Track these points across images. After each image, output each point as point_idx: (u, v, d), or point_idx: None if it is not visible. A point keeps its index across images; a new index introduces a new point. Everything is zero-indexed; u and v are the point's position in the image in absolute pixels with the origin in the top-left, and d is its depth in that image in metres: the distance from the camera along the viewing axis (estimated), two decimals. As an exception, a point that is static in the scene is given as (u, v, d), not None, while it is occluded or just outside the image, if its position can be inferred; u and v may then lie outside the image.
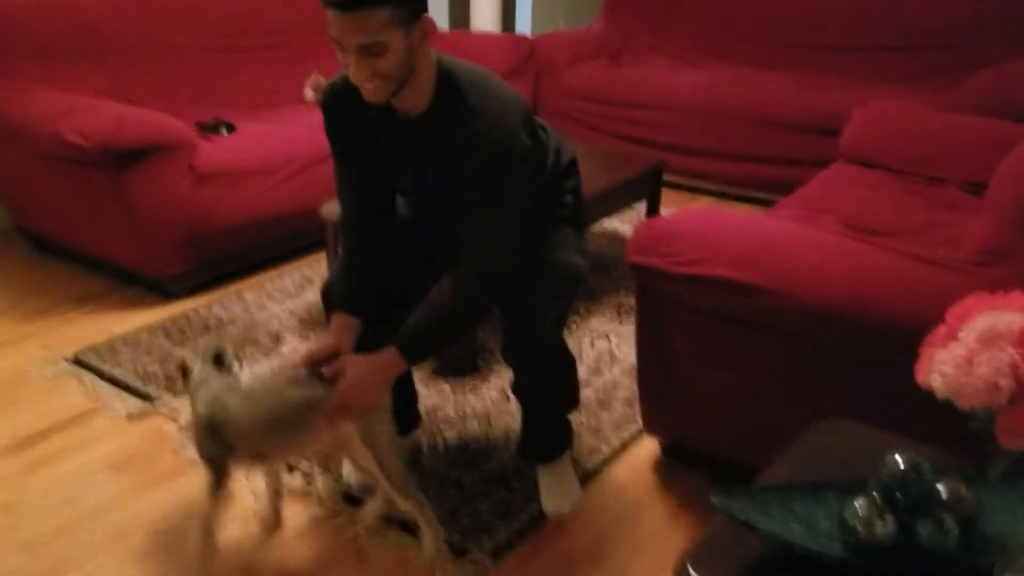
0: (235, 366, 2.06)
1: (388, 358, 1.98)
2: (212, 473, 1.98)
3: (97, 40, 3.84)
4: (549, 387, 2.26)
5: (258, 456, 2.03)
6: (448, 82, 1.92)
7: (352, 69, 1.78)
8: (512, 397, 2.42)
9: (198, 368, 2.02)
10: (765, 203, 4.41)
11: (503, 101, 1.94)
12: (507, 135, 1.90)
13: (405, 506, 2.06)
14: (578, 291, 2.25)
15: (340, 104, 2.02)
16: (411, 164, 2.03)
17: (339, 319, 2.09)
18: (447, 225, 2.12)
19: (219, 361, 2.03)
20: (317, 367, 1.98)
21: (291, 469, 2.42)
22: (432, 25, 1.85)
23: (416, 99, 1.91)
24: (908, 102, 3.84)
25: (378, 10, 1.71)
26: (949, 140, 3.29)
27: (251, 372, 2.12)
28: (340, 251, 2.18)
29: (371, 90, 1.82)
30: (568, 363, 2.29)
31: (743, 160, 4.61)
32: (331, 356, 2.00)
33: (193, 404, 2.00)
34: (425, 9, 1.82)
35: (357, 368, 1.96)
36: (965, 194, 3.06)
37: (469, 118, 1.89)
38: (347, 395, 1.93)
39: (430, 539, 2.09)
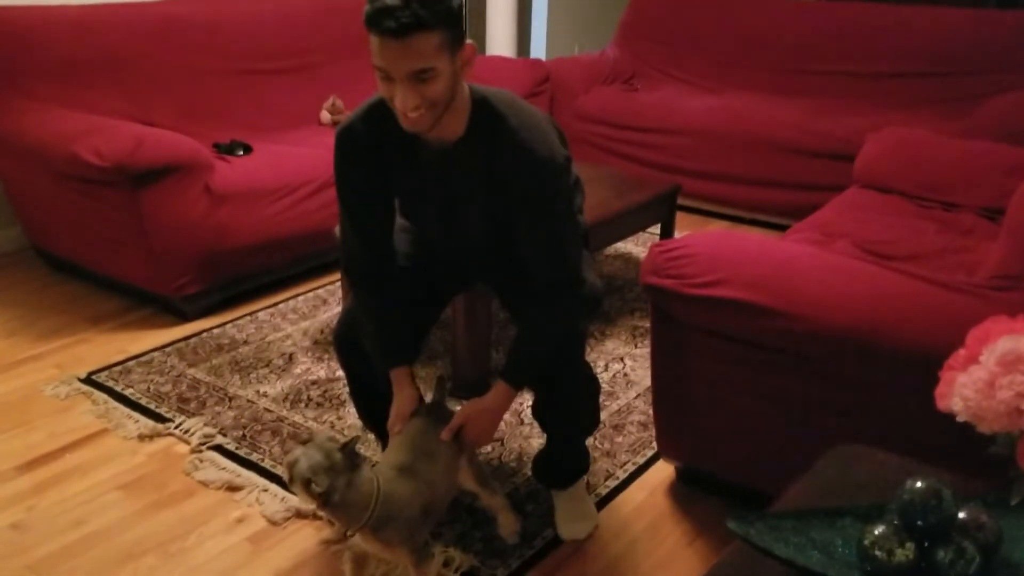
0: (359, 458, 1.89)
1: (501, 395, 2.06)
2: (423, 553, 1.96)
3: (117, 61, 3.86)
4: (575, 408, 2.23)
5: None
6: (484, 105, 1.90)
7: (399, 98, 1.73)
8: (529, 419, 2.41)
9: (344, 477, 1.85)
10: (779, 228, 4.41)
11: (538, 119, 1.95)
12: (551, 150, 1.90)
13: (489, 499, 2.21)
14: (596, 312, 2.25)
15: (361, 145, 1.97)
16: (439, 197, 2.01)
17: (398, 374, 2.10)
18: (472, 261, 2.16)
19: (352, 456, 1.85)
20: (435, 429, 2.05)
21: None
22: (474, 51, 1.83)
23: (454, 125, 1.88)
24: (922, 128, 3.84)
25: (432, 34, 1.68)
26: (963, 166, 3.29)
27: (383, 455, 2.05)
28: (363, 307, 2.11)
29: (415, 119, 1.77)
30: (593, 383, 2.26)
31: (757, 185, 4.60)
32: (414, 408, 2.09)
33: (388, 501, 1.87)
34: (466, 34, 1.80)
35: (475, 412, 2.05)
36: (980, 219, 3.05)
37: (512, 138, 1.88)
38: (478, 438, 2.06)
39: (510, 521, 2.24)
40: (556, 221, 1.95)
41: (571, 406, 2.21)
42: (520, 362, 2.06)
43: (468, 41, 1.80)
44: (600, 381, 2.97)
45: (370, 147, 1.96)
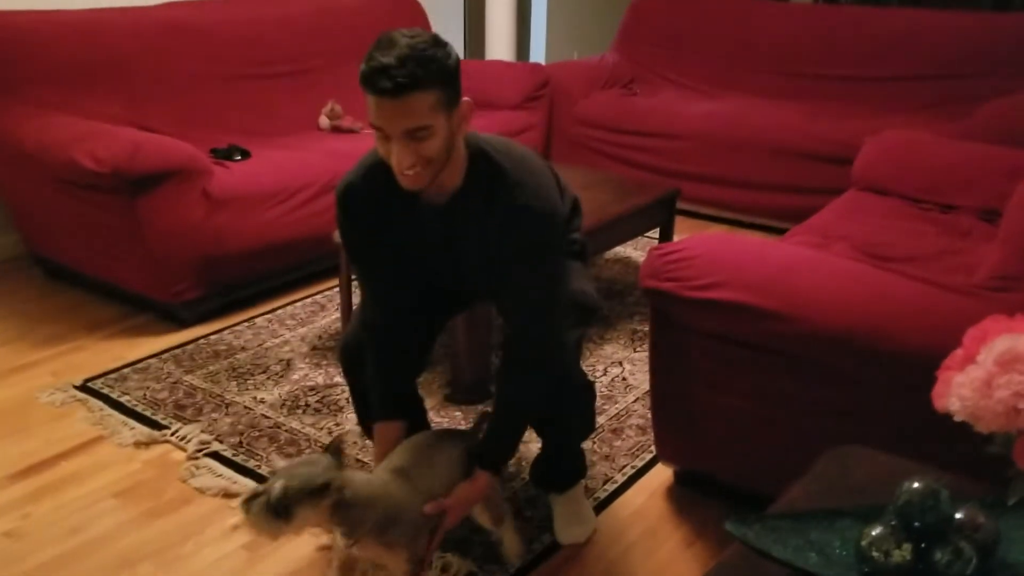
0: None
1: (480, 481, 2.02)
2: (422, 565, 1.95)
3: (115, 67, 3.86)
4: (569, 416, 2.22)
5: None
6: (482, 157, 1.90)
7: (395, 156, 1.74)
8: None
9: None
10: (778, 231, 4.40)
11: (537, 170, 1.94)
12: (550, 204, 1.90)
13: (498, 530, 2.17)
14: (593, 320, 2.24)
15: (363, 201, 1.97)
16: (441, 247, 2.01)
17: (384, 428, 2.08)
18: (476, 291, 2.19)
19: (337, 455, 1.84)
20: (441, 442, 2.05)
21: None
22: (471, 108, 1.83)
23: (451, 178, 1.88)
24: (920, 131, 3.83)
25: (427, 93, 1.68)
26: (961, 168, 3.28)
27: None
28: (372, 356, 2.10)
29: (411, 177, 1.77)
30: (588, 389, 2.25)
31: (756, 188, 4.60)
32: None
33: (388, 502, 1.86)
34: (462, 92, 1.80)
35: (463, 499, 2.00)
36: (978, 221, 3.04)
37: (511, 190, 1.88)
38: (458, 512, 1.99)
39: (515, 543, 2.20)
40: (546, 280, 1.95)
41: (566, 415, 2.20)
42: (499, 447, 2.06)
43: (465, 99, 1.80)
44: (598, 385, 2.97)
45: (371, 203, 1.97)
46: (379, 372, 2.09)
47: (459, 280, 2.13)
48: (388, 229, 1.99)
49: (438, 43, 1.72)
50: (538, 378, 2.01)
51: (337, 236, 3.05)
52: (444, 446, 2.03)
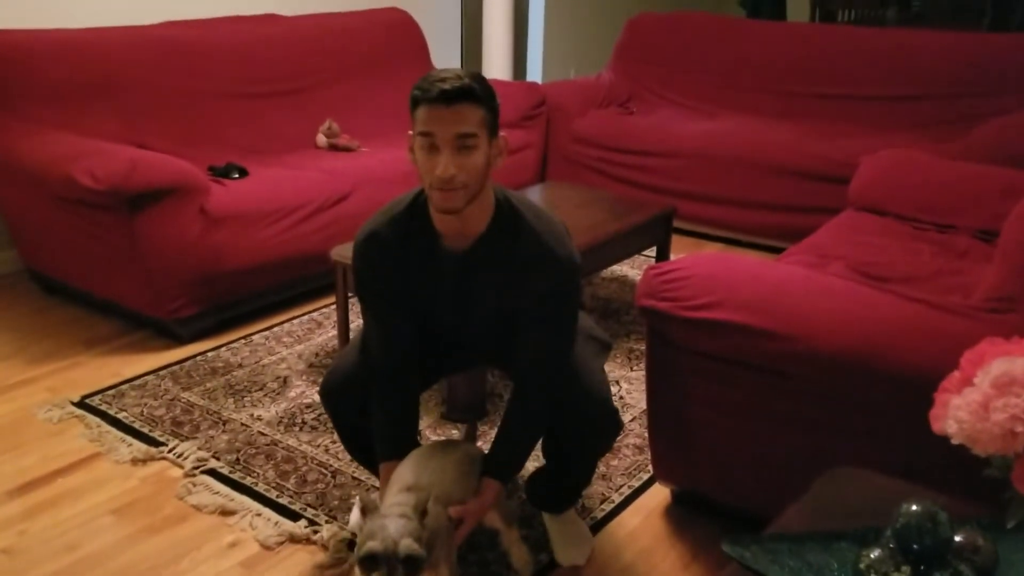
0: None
1: (489, 491, 2.06)
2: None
3: (113, 85, 3.87)
4: (598, 446, 2.22)
5: None
6: (508, 205, 1.97)
7: (442, 164, 1.80)
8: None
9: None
10: (774, 250, 4.41)
11: (556, 222, 2.02)
12: (569, 254, 1.97)
13: (507, 535, 2.19)
14: (607, 356, 2.31)
15: (385, 248, 2.01)
16: (454, 295, 2.04)
17: (390, 468, 2.07)
18: (476, 347, 2.23)
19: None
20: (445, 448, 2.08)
21: (297, 517, 2.40)
22: (506, 144, 1.93)
23: (477, 220, 1.94)
24: (917, 150, 3.85)
25: (478, 108, 1.81)
26: (958, 188, 3.29)
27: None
28: (378, 399, 2.11)
29: (449, 195, 1.83)
30: (615, 421, 2.21)
31: (752, 207, 4.61)
32: None
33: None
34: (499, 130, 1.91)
35: (475, 509, 2.01)
36: (975, 241, 3.05)
37: (534, 239, 1.94)
38: (472, 521, 2.01)
39: (523, 553, 2.21)
40: (563, 326, 2.01)
41: (594, 442, 2.19)
42: (510, 460, 2.10)
43: (502, 134, 1.91)
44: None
45: (392, 250, 2.00)
46: (386, 416, 2.11)
47: (466, 333, 2.16)
48: (406, 277, 2.03)
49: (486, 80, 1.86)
50: (548, 402, 2.06)
51: (335, 254, 3.06)
52: (447, 454, 2.04)
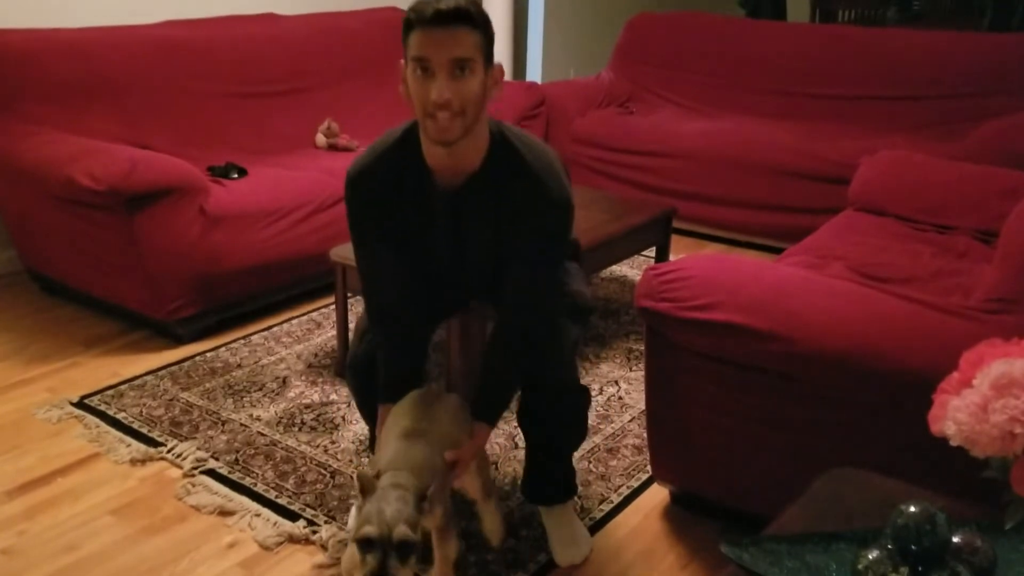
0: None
1: (481, 434, 2.08)
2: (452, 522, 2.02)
3: (113, 85, 3.87)
4: (562, 415, 2.22)
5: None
6: (503, 141, 1.94)
7: (436, 89, 1.76)
8: (522, 443, 2.39)
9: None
10: (774, 251, 4.41)
11: (550, 157, 1.99)
12: (564, 191, 1.95)
13: (483, 504, 2.20)
14: (588, 321, 2.26)
15: (376, 183, 1.99)
16: (448, 230, 2.03)
17: (389, 411, 2.08)
18: (474, 285, 2.21)
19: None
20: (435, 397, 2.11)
21: (296, 518, 2.40)
22: (502, 73, 1.89)
23: (473, 155, 1.92)
24: (916, 151, 3.85)
25: (474, 32, 1.77)
26: (958, 188, 3.29)
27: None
28: (378, 342, 2.12)
29: (446, 122, 1.79)
30: (583, 394, 2.25)
31: (752, 208, 4.61)
32: None
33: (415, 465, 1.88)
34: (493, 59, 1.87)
35: (468, 451, 2.02)
36: (975, 242, 3.05)
37: (529, 176, 1.92)
38: (465, 463, 2.02)
39: (498, 524, 2.23)
40: (551, 265, 2.01)
41: (558, 410, 2.20)
42: (493, 400, 2.10)
43: (497, 62, 1.87)
44: (595, 404, 2.97)
45: (383, 185, 1.98)
46: (388, 356, 2.11)
47: (461, 269, 2.14)
48: (398, 213, 2.00)
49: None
50: (529, 339, 2.06)
51: (334, 254, 3.06)
52: (443, 400, 2.08)
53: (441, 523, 1.95)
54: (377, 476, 1.79)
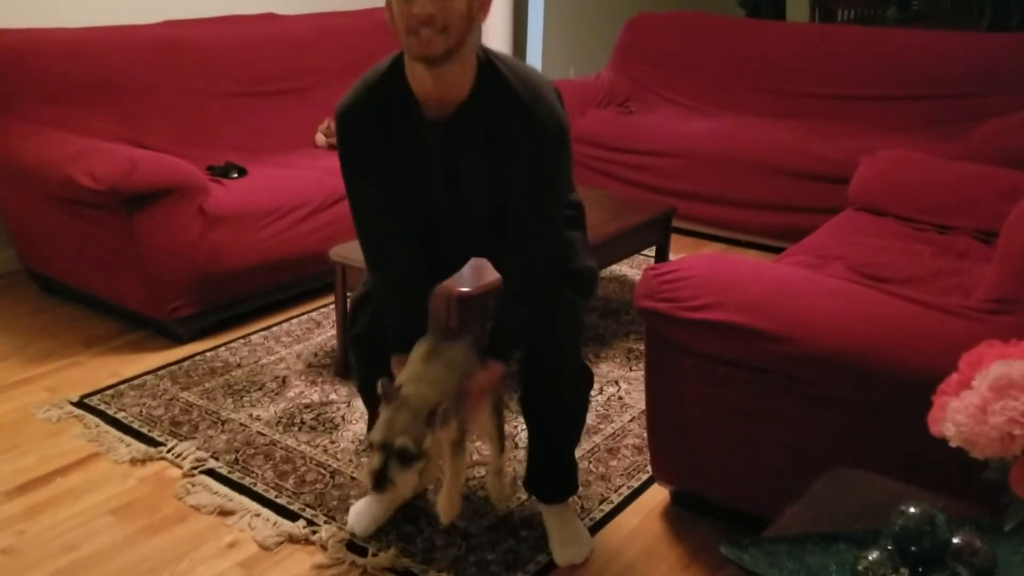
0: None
1: (494, 368, 2.13)
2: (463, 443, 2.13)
3: (112, 84, 3.86)
4: (564, 393, 2.19)
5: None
6: (491, 69, 1.90)
7: (417, 5, 1.75)
8: (524, 443, 2.38)
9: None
10: (774, 250, 4.41)
11: (542, 82, 1.96)
12: (556, 115, 1.91)
13: (497, 461, 2.37)
14: (594, 293, 2.25)
15: (364, 119, 1.96)
16: (442, 167, 2.00)
17: (402, 361, 2.10)
18: (472, 221, 2.16)
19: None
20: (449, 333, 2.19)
21: (295, 518, 2.40)
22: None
23: (458, 86, 1.89)
24: (916, 151, 3.85)
25: None
26: (958, 188, 3.29)
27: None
28: (382, 290, 2.14)
29: (426, 38, 1.77)
30: (585, 371, 2.23)
31: (752, 207, 4.61)
32: None
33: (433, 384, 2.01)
34: None
35: (480, 383, 2.11)
36: (975, 242, 3.05)
37: (516, 103, 1.88)
38: (479, 395, 2.12)
39: (503, 488, 2.42)
40: (550, 192, 1.98)
41: (560, 387, 2.17)
42: (503, 338, 2.14)
43: None
44: (594, 403, 2.97)
45: (371, 121, 1.95)
46: (394, 307, 2.14)
47: (460, 212, 2.12)
48: (389, 149, 1.98)
49: None
50: (536, 280, 2.07)
51: (334, 253, 3.06)
52: (457, 335, 2.17)
53: (456, 437, 2.06)
54: (399, 388, 1.95)
